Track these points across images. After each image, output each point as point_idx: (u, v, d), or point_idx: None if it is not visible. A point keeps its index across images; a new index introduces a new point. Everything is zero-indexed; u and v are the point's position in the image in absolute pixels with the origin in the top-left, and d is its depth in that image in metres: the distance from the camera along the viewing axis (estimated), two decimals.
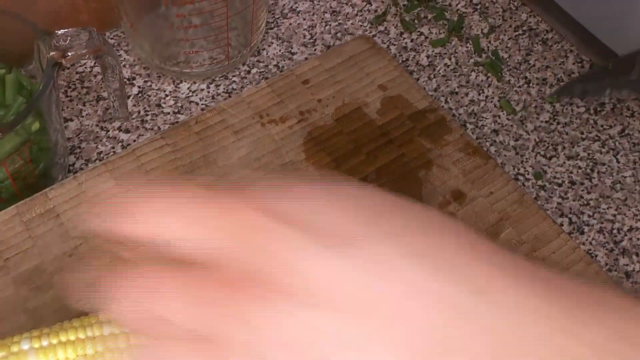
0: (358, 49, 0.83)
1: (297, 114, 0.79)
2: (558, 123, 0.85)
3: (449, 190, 0.75)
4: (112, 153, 0.80)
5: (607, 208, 0.80)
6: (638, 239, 0.77)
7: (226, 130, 0.78)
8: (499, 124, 0.85)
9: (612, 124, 0.86)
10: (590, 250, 0.76)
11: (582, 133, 0.85)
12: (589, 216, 0.78)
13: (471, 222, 0.73)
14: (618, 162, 0.83)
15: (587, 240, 0.77)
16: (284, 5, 0.93)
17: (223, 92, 0.85)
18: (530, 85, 0.88)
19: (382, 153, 0.77)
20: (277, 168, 0.76)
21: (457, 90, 0.86)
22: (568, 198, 0.80)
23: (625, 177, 0.82)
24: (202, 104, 0.84)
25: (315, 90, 0.80)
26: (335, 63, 0.82)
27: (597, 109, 0.86)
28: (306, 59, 0.88)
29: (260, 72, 0.87)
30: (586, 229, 0.77)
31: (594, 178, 0.82)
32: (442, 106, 0.82)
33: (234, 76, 0.87)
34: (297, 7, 0.92)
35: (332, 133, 0.78)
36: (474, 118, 0.84)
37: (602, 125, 0.85)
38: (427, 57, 0.90)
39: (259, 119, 0.79)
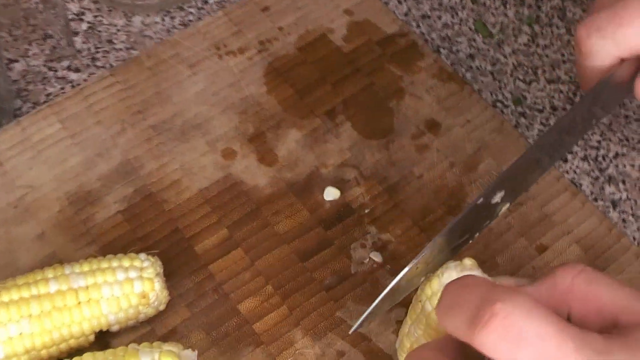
0: None
1: (257, 44, 0.73)
2: (537, 45, 0.80)
3: (423, 120, 0.70)
4: (61, 94, 0.74)
5: (591, 134, 0.75)
6: (624, 166, 0.73)
7: (181, 65, 0.72)
8: (474, 48, 0.79)
9: None
10: (574, 179, 0.71)
11: (563, 55, 0.79)
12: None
13: (447, 153, 0.68)
14: None
15: (570, 168, 0.72)
16: None
17: (179, 24, 0.79)
18: (507, 6, 0.82)
19: (349, 82, 0.71)
20: (236, 101, 0.70)
21: (429, 13, 0.80)
22: (550, 125, 0.75)
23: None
24: (157, 38, 0.78)
25: (276, 17, 0.75)
26: None
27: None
28: None
29: (217, 1, 0.81)
30: (569, 156, 0.72)
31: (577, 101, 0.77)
32: (414, 31, 0.76)
33: (190, 7, 0.80)
34: None
35: (295, 63, 0.72)
36: (448, 42, 0.79)
37: None
38: None
39: (216, 51, 0.73)
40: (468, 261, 0.54)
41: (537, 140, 0.60)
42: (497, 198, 0.51)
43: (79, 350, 0.58)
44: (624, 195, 0.71)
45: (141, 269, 0.59)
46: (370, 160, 0.68)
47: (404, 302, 0.61)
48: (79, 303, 0.57)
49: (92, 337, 0.59)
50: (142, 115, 0.69)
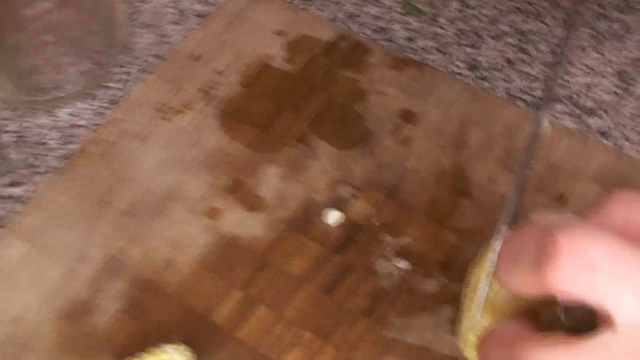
0: (239, 3, 0.73)
1: (201, 95, 0.69)
2: (470, 7, 0.77)
3: (396, 114, 0.66)
4: (14, 213, 0.68)
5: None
6: (597, 93, 0.70)
7: (132, 142, 0.67)
8: (411, 30, 0.76)
9: None
10: (558, 121, 0.68)
11: (497, 9, 0.77)
12: (542, 90, 0.71)
13: (433, 137, 0.65)
14: (547, 25, 0.76)
15: (551, 114, 0.70)
16: None
17: (109, 103, 0.74)
18: None
19: (309, 102, 0.67)
20: (201, 158, 0.65)
21: (355, 11, 0.77)
22: (514, 80, 0.72)
23: (559, 37, 0.75)
24: (91, 125, 0.73)
25: (210, 63, 0.70)
26: (221, 27, 0.72)
27: None
28: (185, 37, 0.77)
29: (141, 68, 0.76)
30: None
31: (530, 49, 0.74)
32: (351, 31, 0.73)
33: (114, 82, 0.75)
34: None
35: (247, 101, 0.68)
36: (384, 33, 0.76)
37: None
38: None
39: (163, 115, 0.68)
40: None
41: None
42: None
43: None
44: (610, 123, 0.69)
45: None
46: (359, 171, 0.64)
47: (451, 299, 0.58)
48: None
49: None
50: (110, 205, 0.64)
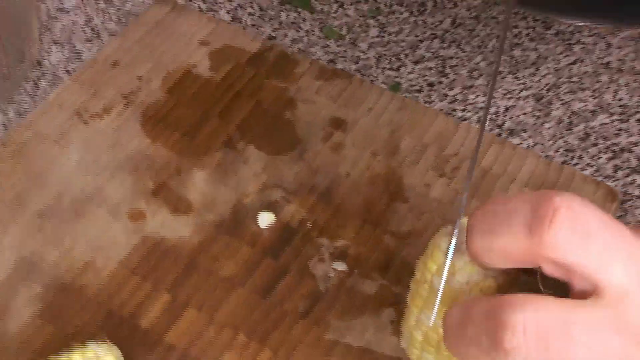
0: (160, 13, 0.70)
1: (121, 99, 0.65)
2: (389, 34, 0.78)
3: (326, 121, 0.65)
4: None
5: (476, 96, 0.73)
6: (517, 114, 0.71)
7: (45, 142, 0.63)
8: (332, 53, 0.75)
9: (440, 18, 0.79)
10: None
11: (417, 36, 0.78)
12: (465, 110, 0.71)
13: (364, 144, 0.63)
14: (464, 51, 0.77)
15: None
16: (48, 7, 0.78)
17: (15, 116, 0.69)
18: (345, 6, 0.79)
19: (235, 109, 0.65)
20: (122, 161, 0.62)
21: (273, 34, 0.76)
22: (434, 101, 0.72)
23: (477, 62, 0.76)
24: None
25: (130, 69, 0.67)
26: (140, 34, 0.69)
27: (420, 9, 0.80)
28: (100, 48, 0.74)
29: (49, 82, 0.72)
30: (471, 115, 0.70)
31: (449, 73, 0.75)
32: (278, 42, 0.72)
33: (20, 96, 0.71)
34: (64, 6, 0.78)
35: (170, 106, 0.65)
36: (303, 55, 0.75)
37: (432, 23, 0.79)
38: (228, 10, 0.79)
39: (79, 118, 0.64)
40: (465, 220, 0.48)
41: None
42: None
43: None
44: (531, 142, 0.70)
45: (97, 358, 0.49)
46: (290, 175, 0.62)
47: (392, 301, 0.56)
48: None
49: None
50: (22, 206, 0.59)
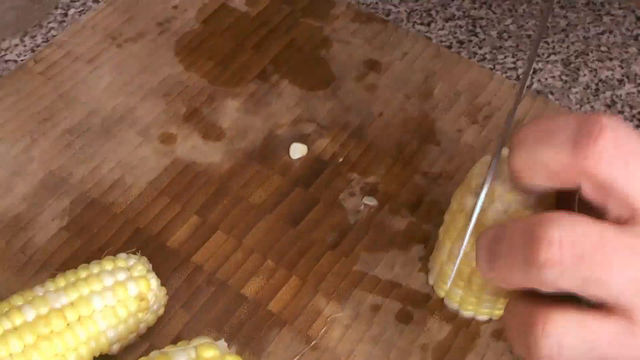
0: None
1: (155, 26, 0.65)
2: None
3: (361, 62, 0.64)
4: None
5: (505, 57, 0.73)
6: (545, 77, 0.71)
7: (77, 62, 0.62)
8: (363, 4, 0.75)
9: None
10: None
11: None
12: (493, 69, 0.71)
13: (398, 86, 0.63)
14: (494, 13, 0.76)
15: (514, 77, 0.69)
16: None
17: (42, 42, 0.68)
18: None
19: (269, 44, 0.65)
20: (155, 85, 0.61)
21: None
22: (463, 58, 0.72)
23: (507, 25, 0.76)
24: (21, 60, 0.67)
25: None
26: None
27: None
28: None
29: (79, 10, 0.71)
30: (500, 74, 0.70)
31: (479, 33, 0.75)
32: None
33: (49, 23, 0.70)
34: None
35: (204, 36, 0.65)
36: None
37: None
38: None
39: (112, 41, 0.64)
40: (506, 150, 0.47)
41: None
42: None
43: None
44: (558, 105, 0.70)
45: (128, 268, 0.48)
46: (323, 111, 0.61)
47: (421, 238, 0.55)
48: (68, 325, 0.46)
49: None
50: (51, 121, 0.59)
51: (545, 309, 0.38)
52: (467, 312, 0.51)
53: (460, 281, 0.50)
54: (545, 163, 0.39)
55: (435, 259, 0.52)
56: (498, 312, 0.51)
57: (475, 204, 0.44)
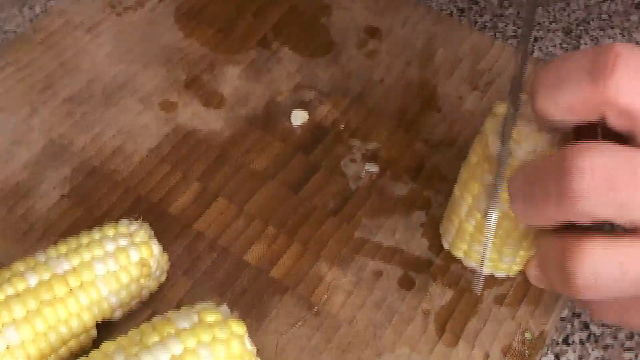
0: None
1: None
2: None
3: (361, 28, 0.64)
4: None
5: (505, 25, 0.72)
6: (545, 45, 0.70)
7: (77, 31, 0.62)
8: None
9: None
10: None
11: None
12: (494, 37, 0.70)
13: (398, 53, 0.63)
14: None
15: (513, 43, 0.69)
16: None
17: (42, 12, 0.68)
18: None
19: (270, 10, 0.64)
20: (155, 53, 0.61)
21: None
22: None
23: None
24: (20, 32, 0.67)
25: None
26: None
27: None
28: None
29: None
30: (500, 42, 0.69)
31: (480, 1, 0.74)
32: None
33: None
34: None
35: (204, 3, 0.64)
36: None
37: None
38: None
39: (112, 10, 0.63)
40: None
41: None
42: None
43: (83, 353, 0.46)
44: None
45: (130, 234, 0.48)
46: (324, 77, 0.61)
47: (422, 204, 0.55)
48: (71, 290, 0.46)
49: (94, 332, 0.47)
50: (51, 90, 0.58)
51: (578, 240, 0.39)
52: (485, 270, 0.51)
53: (482, 236, 0.49)
54: (568, 99, 0.39)
55: (449, 218, 0.52)
56: (516, 268, 0.51)
57: (502, 149, 0.44)
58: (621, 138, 0.39)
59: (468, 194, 0.48)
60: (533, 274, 0.49)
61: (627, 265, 0.38)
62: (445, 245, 0.53)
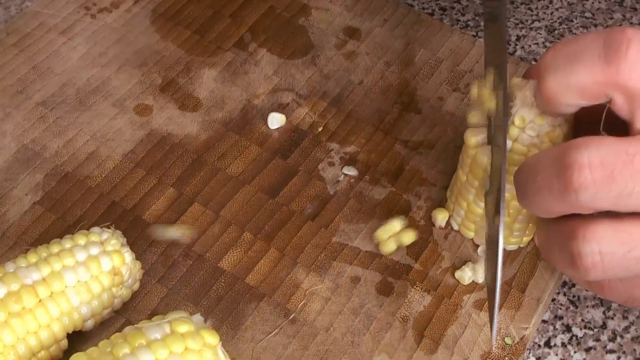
0: None
1: None
2: None
3: (340, 29, 0.63)
4: None
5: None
6: (528, 44, 0.70)
7: (50, 33, 0.61)
8: None
9: None
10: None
11: None
12: (476, 36, 0.69)
13: (378, 54, 0.62)
14: None
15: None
16: None
17: (17, 12, 0.67)
18: None
19: (247, 11, 0.63)
20: (130, 55, 0.60)
21: None
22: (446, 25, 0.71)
23: None
24: None
25: None
26: None
27: None
28: None
29: None
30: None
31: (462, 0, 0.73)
32: None
33: None
34: None
35: (181, 5, 0.63)
36: None
37: None
38: None
39: (86, 11, 0.62)
40: (516, 79, 0.46)
41: None
42: None
43: None
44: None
45: (102, 242, 0.47)
46: (302, 79, 0.60)
47: (401, 208, 0.54)
48: (40, 301, 0.45)
49: (65, 343, 0.46)
50: (24, 94, 0.57)
51: (582, 223, 0.40)
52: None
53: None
54: (578, 81, 0.40)
55: (457, 201, 0.51)
56: (526, 239, 0.52)
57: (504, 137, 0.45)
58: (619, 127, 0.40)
59: (473, 176, 0.48)
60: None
61: (630, 243, 0.39)
62: (455, 227, 0.53)
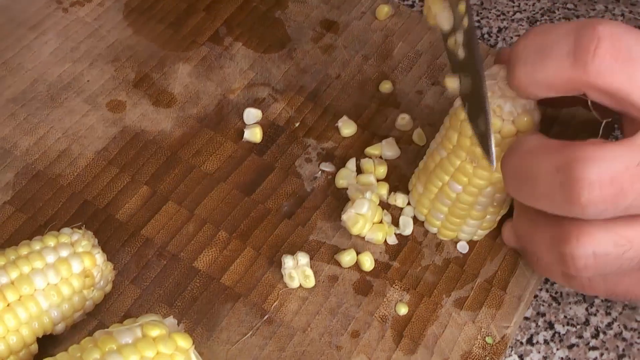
0: None
1: None
2: None
3: (317, 22, 0.62)
4: None
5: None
6: (511, 38, 0.69)
7: (20, 28, 0.59)
8: None
9: None
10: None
11: None
12: None
13: (356, 47, 0.61)
14: None
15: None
16: None
17: None
18: None
19: (222, 5, 0.62)
20: (103, 50, 0.59)
21: None
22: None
23: None
24: None
25: None
26: None
27: None
28: None
29: None
30: None
31: None
32: None
33: None
34: None
35: None
36: None
37: None
38: None
39: (58, 5, 0.61)
40: (495, 66, 0.45)
41: None
42: None
43: None
44: None
45: (72, 244, 0.46)
46: (278, 74, 0.59)
47: (381, 205, 0.53)
48: (8, 305, 0.44)
49: (35, 348, 0.45)
50: None
51: (576, 225, 0.40)
52: (444, 238, 0.52)
53: (448, 200, 0.49)
54: (546, 78, 0.39)
55: (425, 187, 0.51)
56: (479, 235, 0.52)
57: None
58: None
59: (456, 156, 0.47)
60: (506, 235, 0.50)
61: (623, 245, 0.39)
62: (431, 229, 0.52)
